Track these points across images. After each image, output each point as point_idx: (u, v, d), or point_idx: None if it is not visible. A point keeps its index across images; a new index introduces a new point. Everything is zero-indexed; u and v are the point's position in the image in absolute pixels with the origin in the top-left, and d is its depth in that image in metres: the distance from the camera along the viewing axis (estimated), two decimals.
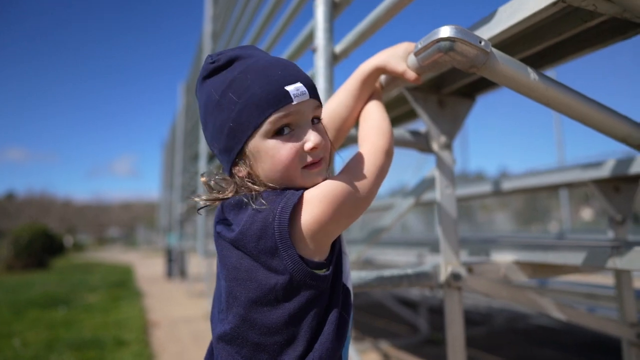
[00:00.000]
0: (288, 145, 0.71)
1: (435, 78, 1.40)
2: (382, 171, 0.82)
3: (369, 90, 1.00)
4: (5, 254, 13.50)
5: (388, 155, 0.84)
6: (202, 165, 4.59)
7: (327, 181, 0.74)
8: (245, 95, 0.69)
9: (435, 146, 1.39)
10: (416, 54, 0.90)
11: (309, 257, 0.70)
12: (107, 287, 8.58)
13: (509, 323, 4.30)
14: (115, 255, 25.57)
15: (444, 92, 1.45)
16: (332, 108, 0.97)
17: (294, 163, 0.71)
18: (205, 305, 5.89)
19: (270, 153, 0.71)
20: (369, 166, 0.80)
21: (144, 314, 5.58)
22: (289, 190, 0.72)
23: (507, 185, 2.21)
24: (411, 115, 1.96)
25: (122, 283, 9.34)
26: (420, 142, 1.40)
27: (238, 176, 0.75)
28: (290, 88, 0.70)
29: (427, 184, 1.53)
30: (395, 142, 1.36)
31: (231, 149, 0.73)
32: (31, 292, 7.92)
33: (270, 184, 0.73)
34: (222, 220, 0.75)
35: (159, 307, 6.16)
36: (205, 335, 4.32)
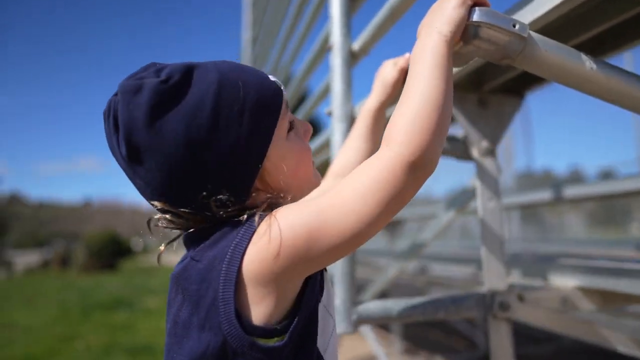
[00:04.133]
0: (299, 136, 0.64)
1: (474, 73, 1.20)
2: (392, 195, 0.51)
3: (383, 125, 0.89)
4: (81, 257, 14.59)
5: (412, 169, 0.52)
6: None
7: (296, 205, 0.55)
8: (247, 100, 0.55)
9: (475, 153, 1.19)
10: None
11: (252, 319, 0.51)
12: (167, 291, 8.90)
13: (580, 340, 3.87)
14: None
15: (486, 89, 1.25)
16: (348, 157, 0.87)
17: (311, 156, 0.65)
18: None
19: (295, 149, 0.61)
20: (371, 186, 0.51)
21: None
22: (262, 213, 0.55)
23: (579, 191, 1.91)
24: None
25: None
26: (457, 149, 1.21)
27: (250, 207, 0.56)
28: (274, 79, 0.61)
29: (469, 195, 1.33)
30: None
31: (249, 173, 0.56)
32: (100, 294, 8.40)
33: (286, 196, 0.60)
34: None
35: None
36: None
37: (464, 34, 0.64)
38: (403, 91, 0.58)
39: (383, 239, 4.71)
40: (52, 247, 20.90)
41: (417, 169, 0.52)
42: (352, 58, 1.16)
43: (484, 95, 1.23)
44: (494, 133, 1.21)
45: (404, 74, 0.88)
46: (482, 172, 1.19)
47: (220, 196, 0.54)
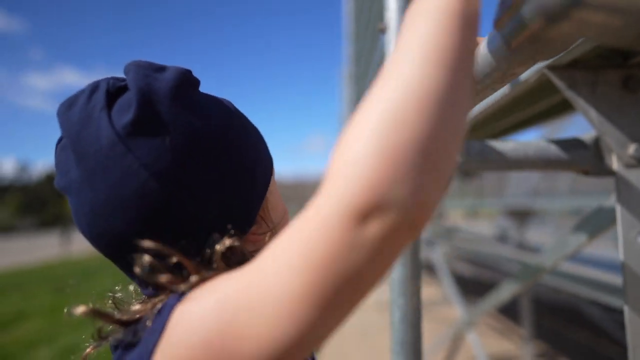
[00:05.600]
0: None
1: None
2: (332, 274, 0.26)
3: None
4: None
5: (362, 227, 0.26)
6: None
7: (223, 277, 0.34)
8: (250, 128, 0.51)
9: (614, 163, 0.79)
10: (497, 25, 0.40)
11: None
12: None
13: None
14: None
15: (635, 62, 0.81)
16: None
17: None
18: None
19: (280, 196, 0.56)
20: (296, 255, 0.28)
21: None
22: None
23: None
24: (559, 110, 1.25)
25: None
26: (584, 160, 0.81)
27: (246, 245, 0.46)
28: None
29: (606, 218, 0.91)
30: (529, 164, 0.81)
31: (259, 197, 0.49)
32: None
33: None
34: None
35: None
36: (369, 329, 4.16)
37: (551, 8, 0.31)
38: (380, 76, 0.30)
39: (512, 224, 4.10)
40: None
41: (378, 225, 0.26)
42: None
43: (632, 72, 0.80)
44: None
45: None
46: (627, 191, 0.78)
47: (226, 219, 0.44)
